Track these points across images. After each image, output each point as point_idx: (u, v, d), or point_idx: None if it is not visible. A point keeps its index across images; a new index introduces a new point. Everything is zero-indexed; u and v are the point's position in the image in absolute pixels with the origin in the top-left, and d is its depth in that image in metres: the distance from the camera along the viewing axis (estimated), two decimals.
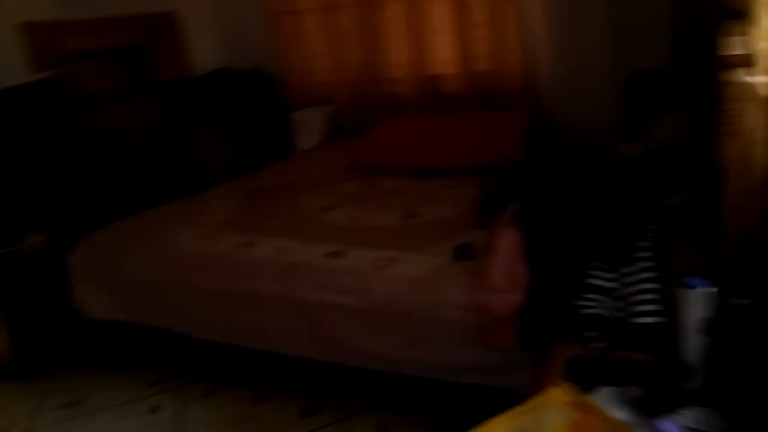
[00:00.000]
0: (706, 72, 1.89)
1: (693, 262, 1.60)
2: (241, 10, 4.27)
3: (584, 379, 1.41)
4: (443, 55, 3.67)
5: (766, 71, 1.39)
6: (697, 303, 1.36)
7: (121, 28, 3.70)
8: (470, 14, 3.51)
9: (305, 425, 2.22)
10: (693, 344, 1.38)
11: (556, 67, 3.45)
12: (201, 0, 4.28)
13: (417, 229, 2.38)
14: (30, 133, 2.82)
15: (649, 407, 1.31)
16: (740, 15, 1.46)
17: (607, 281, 1.74)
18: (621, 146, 2.28)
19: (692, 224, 1.74)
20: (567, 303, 1.71)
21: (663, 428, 1.24)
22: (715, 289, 1.34)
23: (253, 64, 4.26)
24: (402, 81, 3.83)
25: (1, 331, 2.59)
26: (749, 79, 1.45)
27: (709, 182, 1.65)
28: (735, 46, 1.49)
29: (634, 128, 2.34)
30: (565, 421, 1.19)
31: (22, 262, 2.66)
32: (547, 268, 1.73)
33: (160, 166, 3.73)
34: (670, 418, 1.26)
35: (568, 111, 3.43)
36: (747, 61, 1.43)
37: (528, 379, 1.80)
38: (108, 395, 2.51)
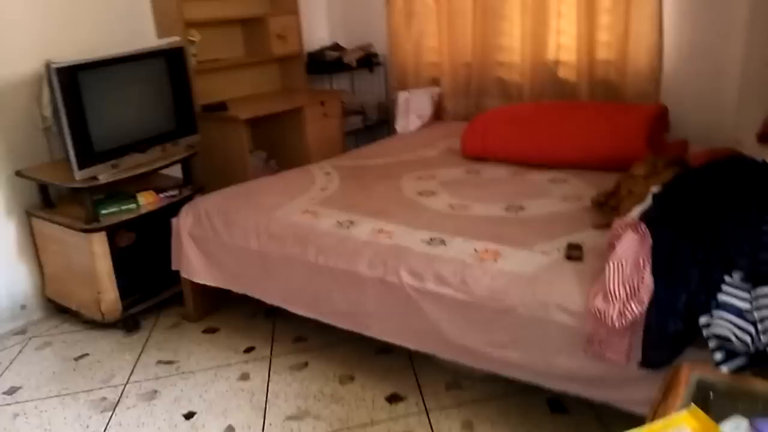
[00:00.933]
0: None
1: None
2: None
3: (712, 405, 1.26)
4: (562, 40, 3.47)
5: None
6: None
7: None
8: None
9: (389, 411, 2.18)
10: None
11: (684, 60, 3.18)
12: None
13: (523, 223, 2.26)
14: (150, 99, 2.92)
15: None
16: None
17: (741, 300, 1.56)
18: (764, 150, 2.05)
19: None
20: (693, 319, 1.55)
21: None
22: None
23: (363, 41, 4.24)
24: (514, 65, 3.67)
25: (112, 285, 2.72)
26: None
27: None
28: None
29: None
30: None
31: (136, 221, 2.78)
32: (673, 279, 1.57)
33: (271, 137, 3.82)
34: None
35: (691, 107, 3.17)
36: None
37: (637, 396, 1.67)
38: (201, 357, 2.59)
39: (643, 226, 1.70)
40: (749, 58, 2.90)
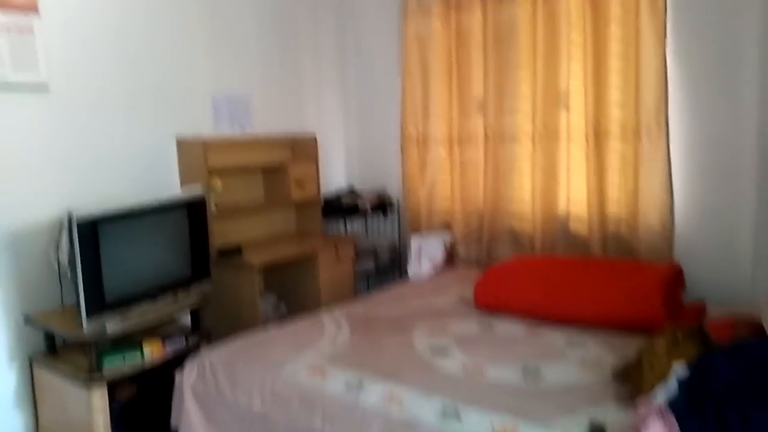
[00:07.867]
0: None
1: None
2: (374, 137, 4.47)
3: None
4: (573, 195, 3.54)
5: None
6: None
7: (265, 147, 3.94)
8: (605, 157, 3.39)
9: None
10: None
11: (696, 219, 3.20)
12: (338, 125, 4.55)
13: (542, 393, 2.16)
14: (168, 248, 2.95)
15: None
16: None
17: None
18: None
19: None
20: None
21: None
22: None
23: (378, 184, 4.38)
24: (526, 216, 3.72)
25: None
26: None
27: None
28: None
29: None
30: None
31: (142, 373, 2.70)
32: None
33: (283, 279, 3.81)
34: None
35: (706, 266, 3.14)
36: None
37: None
38: None
39: (671, 416, 1.61)
40: (761, 221, 2.91)
